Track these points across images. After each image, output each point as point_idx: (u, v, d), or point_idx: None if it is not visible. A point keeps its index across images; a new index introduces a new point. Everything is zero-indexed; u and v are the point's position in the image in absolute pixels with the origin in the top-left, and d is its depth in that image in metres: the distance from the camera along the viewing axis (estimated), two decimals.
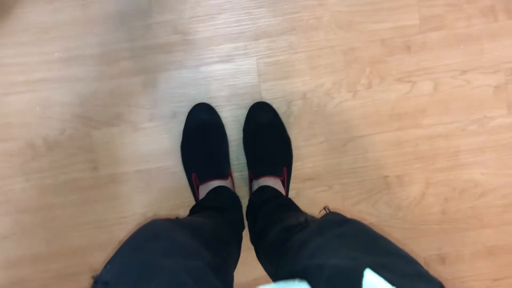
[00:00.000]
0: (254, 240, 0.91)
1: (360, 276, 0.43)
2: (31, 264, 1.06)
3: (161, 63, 1.01)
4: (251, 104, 1.03)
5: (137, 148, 1.03)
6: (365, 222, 1.04)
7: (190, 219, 0.77)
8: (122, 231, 1.05)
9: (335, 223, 0.59)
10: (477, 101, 1.05)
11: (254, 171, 0.98)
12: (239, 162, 1.05)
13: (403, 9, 1.01)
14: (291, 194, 1.07)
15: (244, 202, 1.01)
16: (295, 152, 1.05)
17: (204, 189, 0.95)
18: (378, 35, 1.02)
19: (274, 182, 0.96)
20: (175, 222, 0.64)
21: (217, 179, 0.95)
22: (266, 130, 1.00)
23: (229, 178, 0.99)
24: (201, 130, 0.98)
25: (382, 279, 0.39)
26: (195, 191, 0.98)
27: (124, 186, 1.04)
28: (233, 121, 1.04)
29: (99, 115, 1.02)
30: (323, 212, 0.69)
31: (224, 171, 0.97)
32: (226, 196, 0.94)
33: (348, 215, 1.04)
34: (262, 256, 0.83)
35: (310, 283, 0.49)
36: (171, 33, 1.00)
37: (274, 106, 1.03)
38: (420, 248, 1.11)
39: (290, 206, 0.89)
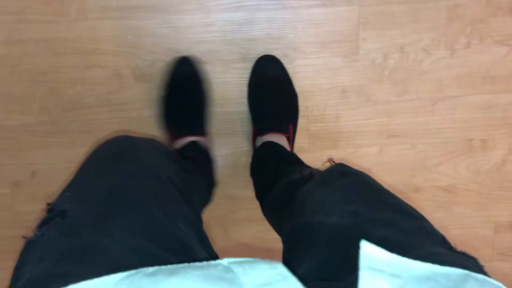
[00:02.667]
0: (259, 196, 0.90)
1: (361, 235, 0.41)
2: None
3: (262, 2, 0.97)
4: (346, 52, 1.00)
5: (227, 88, 1.00)
6: (444, 183, 1.04)
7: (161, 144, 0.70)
8: None
9: (338, 175, 0.57)
10: None
11: (259, 127, 0.95)
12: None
13: None
14: (373, 150, 1.05)
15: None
16: (384, 107, 1.03)
17: (179, 144, 0.92)
18: None
19: (279, 139, 0.94)
20: (144, 140, 0.57)
21: (192, 136, 0.92)
22: (273, 84, 0.96)
23: (206, 135, 0.96)
24: (178, 85, 0.94)
25: (379, 248, 0.37)
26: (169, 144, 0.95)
27: (210, 125, 1.02)
28: (323, 69, 1.01)
29: (192, 50, 0.98)
30: (327, 165, 0.65)
31: (199, 127, 0.94)
32: (199, 149, 0.91)
33: (428, 175, 1.05)
34: (268, 211, 0.83)
35: (312, 242, 0.48)
36: None
37: (369, 56, 1.01)
38: (493, 214, 1.12)
39: (295, 161, 0.87)
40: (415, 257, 0.37)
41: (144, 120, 1.00)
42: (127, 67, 0.98)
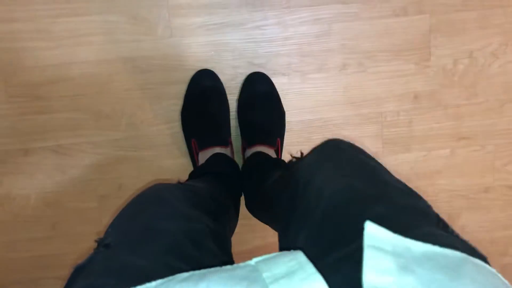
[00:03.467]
0: (248, 198, 0.93)
1: (355, 211, 0.43)
2: None
3: (337, 13, 1.01)
4: (418, 58, 1.04)
5: (302, 98, 1.04)
6: (511, 183, 1.07)
7: (191, 184, 0.77)
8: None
9: (332, 149, 0.58)
10: None
11: (248, 139, 0.98)
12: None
13: None
14: (444, 152, 1.09)
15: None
16: (454, 110, 1.07)
17: (203, 156, 0.95)
18: None
19: (267, 151, 0.97)
20: (177, 187, 0.64)
21: (217, 146, 0.95)
22: (262, 100, 1.00)
23: (229, 146, 0.99)
24: (203, 96, 0.97)
25: (382, 228, 0.38)
26: (194, 157, 0.97)
27: (288, 134, 1.05)
28: (397, 76, 1.05)
29: (271, 64, 1.02)
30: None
31: (224, 138, 0.98)
32: (225, 162, 0.94)
33: (497, 175, 1.08)
34: (261, 206, 0.85)
35: (308, 215, 0.50)
36: None
37: (440, 62, 1.04)
38: None
39: (284, 163, 0.90)
40: (414, 237, 0.38)
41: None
42: None
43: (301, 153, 0.75)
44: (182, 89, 1.01)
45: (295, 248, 0.41)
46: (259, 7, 0.99)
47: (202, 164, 0.92)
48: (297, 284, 0.36)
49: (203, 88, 0.98)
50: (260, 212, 0.89)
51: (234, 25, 0.99)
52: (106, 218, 1.06)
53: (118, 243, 0.48)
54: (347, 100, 1.05)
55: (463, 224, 1.13)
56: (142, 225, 0.50)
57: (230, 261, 0.57)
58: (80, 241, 1.05)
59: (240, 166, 1.00)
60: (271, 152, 0.97)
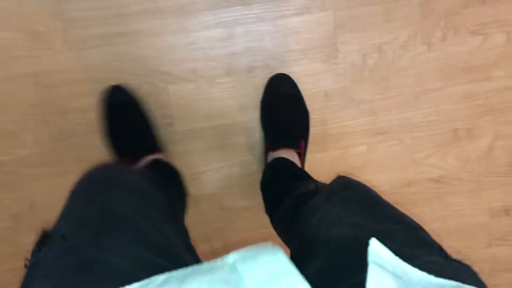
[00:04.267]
0: (269, 211, 0.92)
1: (362, 246, 0.44)
2: None
3: (239, 16, 0.99)
4: (326, 57, 1.02)
5: (212, 103, 1.03)
6: (434, 175, 1.07)
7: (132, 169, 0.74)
8: (195, 187, 1.05)
9: (340, 188, 0.60)
10: None
11: (272, 143, 0.98)
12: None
13: None
14: (362, 149, 1.08)
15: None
16: (368, 106, 1.06)
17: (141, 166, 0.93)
18: None
19: (291, 155, 0.96)
20: (121, 166, 0.61)
21: (151, 154, 0.94)
22: (287, 102, 0.99)
23: (163, 152, 0.99)
24: (118, 114, 0.96)
25: (385, 248, 0.40)
26: None
27: (199, 142, 1.04)
28: (306, 75, 1.04)
29: (176, 70, 1.01)
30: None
31: (154, 145, 0.97)
32: (162, 165, 0.93)
33: (418, 168, 1.07)
34: (277, 225, 0.85)
35: (316, 254, 0.50)
36: None
37: (349, 59, 1.03)
38: (486, 200, 1.14)
39: (304, 176, 0.90)
40: (413, 265, 0.39)
41: None
42: None
43: (316, 185, 0.75)
44: (86, 102, 0.99)
45: (307, 278, 0.40)
46: (158, 14, 0.98)
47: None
48: None
49: (116, 103, 0.97)
50: (275, 225, 0.88)
51: (134, 34, 0.98)
52: (21, 237, 1.04)
53: (76, 233, 0.43)
54: (258, 103, 1.04)
55: None
56: (99, 210, 0.46)
57: (187, 236, 0.57)
58: None
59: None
60: (294, 156, 0.96)
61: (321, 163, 1.08)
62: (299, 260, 0.55)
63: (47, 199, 1.03)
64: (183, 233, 0.54)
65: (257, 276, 0.37)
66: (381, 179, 1.10)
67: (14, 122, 0.99)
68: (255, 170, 1.07)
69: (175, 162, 1.03)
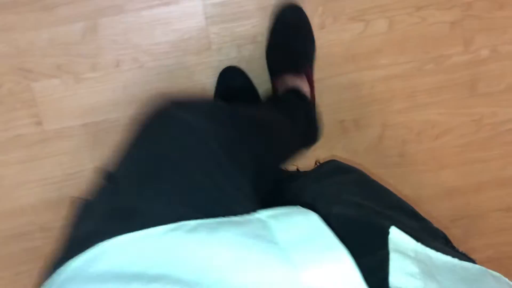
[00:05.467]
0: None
1: (369, 227, 0.43)
2: None
3: (100, 7, 0.95)
4: (199, 49, 0.98)
5: (81, 100, 0.98)
6: None
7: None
8: (71, 188, 1.01)
9: (332, 170, 0.57)
10: (433, 39, 1.02)
11: (276, 69, 0.95)
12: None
13: None
14: None
15: None
16: None
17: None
18: None
19: (299, 82, 0.92)
20: (187, 103, 0.55)
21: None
22: (291, 29, 0.95)
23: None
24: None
25: (406, 234, 0.39)
26: None
27: (71, 141, 1.00)
28: (179, 69, 0.99)
29: (39, 67, 0.96)
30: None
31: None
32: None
33: (304, 161, 1.03)
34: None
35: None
36: None
37: (224, 51, 0.99)
38: None
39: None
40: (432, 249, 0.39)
41: (4, 142, 0.98)
42: None
43: (297, 169, 0.75)
44: None
45: None
46: (15, 9, 0.93)
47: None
48: (319, 253, 0.34)
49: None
50: None
51: None
52: None
53: (124, 177, 0.43)
54: (129, 98, 0.99)
55: None
56: (150, 153, 0.45)
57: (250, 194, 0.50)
58: None
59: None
60: (304, 83, 0.93)
61: None
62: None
63: None
64: (244, 186, 0.48)
65: (291, 234, 0.36)
66: None
67: None
68: None
69: (48, 162, 0.99)
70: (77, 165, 1.02)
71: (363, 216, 0.45)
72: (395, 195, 0.52)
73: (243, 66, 1.00)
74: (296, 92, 0.91)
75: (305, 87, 0.93)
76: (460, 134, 1.08)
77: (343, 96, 1.04)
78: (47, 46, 0.95)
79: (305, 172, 0.66)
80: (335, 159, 0.61)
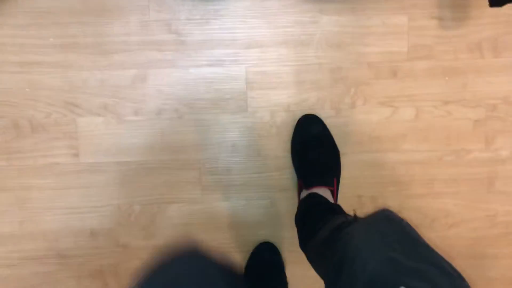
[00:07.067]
0: (302, 244, 0.92)
1: (395, 281, 0.45)
2: (1, 243, 1.07)
3: (153, 60, 1.03)
4: (236, 109, 1.05)
5: (119, 139, 1.05)
6: None
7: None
8: (94, 220, 1.06)
9: (381, 219, 0.60)
10: (457, 132, 1.07)
11: (306, 181, 1.00)
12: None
13: (393, 36, 1.04)
14: (264, 203, 1.08)
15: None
16: (274, 161, 1.07)
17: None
18: (366, 58, 1.05)
19: (324, 192, 0.98)
20: (206, 261, 0.60)
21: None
22: (317, 141, 1.02)
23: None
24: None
25: None
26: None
27: (102, 176, 1.06)
28: (214, 124, 1.06)
29: (87, 104, 1.04)
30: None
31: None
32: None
33: None
34: (312, 257, 0.85)
35: (354, 278, 0.52)
36: (166, 32, 1.03)
37: (258, 114, 1.05)
38: None
39: (340, 210, 0.91)
40: None
41: (40, 167, 1.04)
42: (24, 118, 1.03)
43: (355, 215, 0.77)
44: None
45: None
46: (76, 49, 1.02)
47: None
48: None
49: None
50: (310, 257, 0.88)
51: (50, 65, 1.02)
52: None
53: None
54: (164, 145, 1.06)
55: None
56: None
57: None
58: None
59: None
60: (328, 193, 0.98)
61: (222, 210, 1.08)
62: (335, 285, 0.57)
63: None
64: None
65: None
66: (283, 235, 1.10)
67: None
68: (156, 211, 1.08)
69: (77, 192, 1.05)
70: (103, 199, 1.07)
71: (394, 274, 0.47)
72: (433, 250, 0.54)
73: (273, 131, 1.06)
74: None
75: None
76: (473, 227, 1.10)
77: (364, 173, 1.08)
78: (98, 86, 1.03)
79: (361, 218, 0.70)
80: (387, 208, 0.65)
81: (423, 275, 0.47)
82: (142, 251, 1.09)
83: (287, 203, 1.09)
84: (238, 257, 1.10)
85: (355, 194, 1.09)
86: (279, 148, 1.07)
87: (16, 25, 1.01)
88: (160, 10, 1.02)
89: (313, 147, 1.02)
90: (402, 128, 1.07)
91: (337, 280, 0.57)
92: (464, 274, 1.05)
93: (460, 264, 1.05)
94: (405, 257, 0.50)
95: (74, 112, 1.04)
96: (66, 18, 1.01)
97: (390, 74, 1.05)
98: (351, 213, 0.80)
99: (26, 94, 1.03)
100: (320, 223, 0.85)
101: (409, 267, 0.48)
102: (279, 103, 1.06)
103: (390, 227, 0.58)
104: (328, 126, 1.06)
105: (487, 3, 0.93)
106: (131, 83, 1.04)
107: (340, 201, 1.07)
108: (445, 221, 1.10)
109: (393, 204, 1.09)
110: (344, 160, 1.07)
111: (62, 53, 1.02)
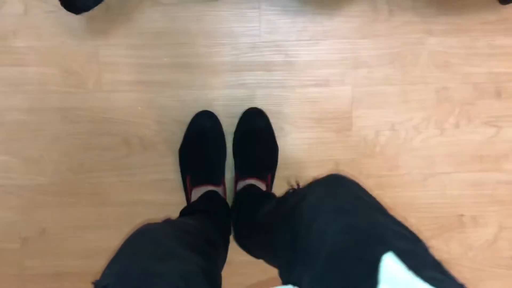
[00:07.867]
0: (238, 231, 0.96)
1: (359, 251, 0.44)
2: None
3: (261, 80, 1.05)
4: (340, 128, 1.06)
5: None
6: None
7: (182, 222, 0.81)
8: None
9: (332, 183, 0.61)
10: None
11: (241, 172, 1.02)
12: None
13: (499, 57, 1.05)
14: None
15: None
16: (376, 180, 1.08)
17: (196, 193, 0.98)
18: (472, 78, 1.06)
19: (259, 184, 1.00)
20: (169, 225, 0.68)
21: (210, 184, 0.99)
22: (257, 135, 1.03)
23: (222, 186, 1.03)
24: (202, 136, 1.02)
25: (399, 264, 0.40)
26: (187, 193, 1.01)
27: None
28: (317, 143, 1.07)
29: None
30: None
31: (218, 177, 1.01)
32: (217, 201, 0.97)
33: None
34: (256, 242, 0.86)
35: (311, 255, 0.51)
36: (275, 53, 1.05)
37: (362, 133, 1.07)
38: None
39: (276, 196, 0.93)
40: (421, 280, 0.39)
41: (148, 184, 1.07)
42: (135, 135, 1.06)
43: (298, 184, 0.77)
44: (108, 140, 1.05)
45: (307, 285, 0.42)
46: (187, 69, 1.04)
47: (194, 201, 0.97)
48: None
49: (202, 128, 1.03)
50: (253, 246, 0.92)
51: (162, 84, 1.04)
52: (28, 261, 1.08)
53: (116, 285, 0.50)
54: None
55: None
56: (139, 268, 0.51)
57: None
58: None
59: (230, 198, 1.05)
60: (263, 186, 1.01)
61: None
62: (289, 263, 0.57)
63: (57, 227, 1.07)
64: None
65: None
66: None
67: (38, 151, 1.05)
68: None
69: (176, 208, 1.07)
70: None
71: (354, 243, 0.47)
72: (389, 213, 0.53)
73: (377, 150, 1.07)
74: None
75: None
76: None
77: (466, 192, 1.09)
78: (207, 105, 1.05)
79: (305, 186, 0.67)
80: (333, 174, 0.64)
81: (383, 240, 0.46)
82: (242, 265, 1.10)
83: None
84: None
85: (456, 214, 1.10)
86: (383, 167, 1.08)
87: (131, 45, 1.04)
88: (271, 32, 1.04)
89: (253, 140, 1.03)
90: (505, 148, 1.08)
91: (293, 259, 0.56)
92: None
93: None
94: (365, 223, 0.49)
95: (184, 131, 1.06)
96: (179, 39, 1.04)
97: (494, 94, 1.06)
98: None
99: (138, 113, 1.05)
100: (257, 205, 0.87)
101: (368, 233, 0.48)
102: (384, 122, 1.07)
103: (343, 192, 0.57)
104: (432, 145, 1.07)
105: None
106: (240, 102, 1.06)
107: (440, 220, 1.08)
108: None
109: (494, 223, 1.10)
110: (446, 179, 1.08)
111: (174, 73, 1.04)
